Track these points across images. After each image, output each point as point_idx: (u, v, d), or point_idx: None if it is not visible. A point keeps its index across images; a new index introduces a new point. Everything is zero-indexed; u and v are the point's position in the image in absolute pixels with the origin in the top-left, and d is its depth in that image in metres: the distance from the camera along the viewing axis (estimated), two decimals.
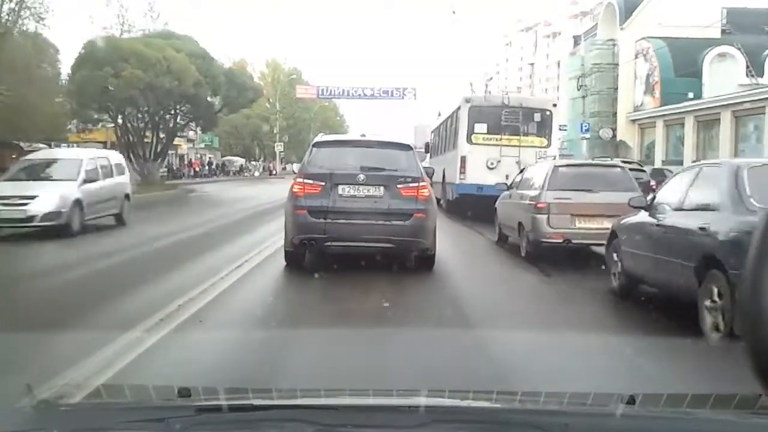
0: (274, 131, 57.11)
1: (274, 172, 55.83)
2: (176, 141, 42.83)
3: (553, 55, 71.28)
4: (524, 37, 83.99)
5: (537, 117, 13.26)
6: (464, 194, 13.01)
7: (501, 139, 12.99)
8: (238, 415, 1.31)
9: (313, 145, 7.45)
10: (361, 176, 6.71)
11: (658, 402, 1.41)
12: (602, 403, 1.43)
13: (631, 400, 1.33)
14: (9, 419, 1.32)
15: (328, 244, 6.82)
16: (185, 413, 1.30)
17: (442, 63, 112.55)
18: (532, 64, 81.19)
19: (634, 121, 27.88)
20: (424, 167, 7.81)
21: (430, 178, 7.77)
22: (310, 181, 6.77)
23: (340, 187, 6.70)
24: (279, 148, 55.69)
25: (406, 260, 6.98)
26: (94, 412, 1.43)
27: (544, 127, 13.30)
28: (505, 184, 10.46)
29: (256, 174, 54.37)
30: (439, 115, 19.07)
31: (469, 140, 13.10)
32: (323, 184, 6.70)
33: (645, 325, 4.89)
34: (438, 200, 16.90)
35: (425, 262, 6.91)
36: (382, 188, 6.73)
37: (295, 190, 6.85)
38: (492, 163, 12.81)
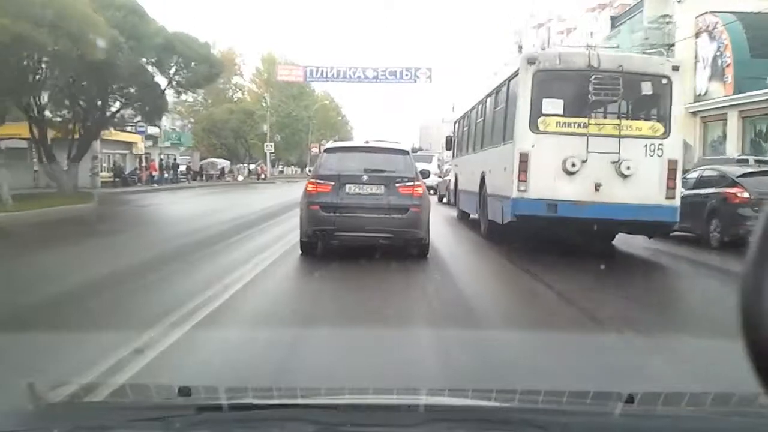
0: (264, 129, 56.56)
1: (263, 176, 55.42)
2: (132, 138, 39.88)
3: None
4: (537, 33, 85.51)
5: (647, 88, 9.92)
6: (525, 216, 9.79)
7: (588, 125, 9.75)
8: (238, 414, 1.59)
9: (324, 151, 10.48)
10: (365, 177, 9.20)
11: (656, 401, 1.70)
12: (601, 401, 1.72)
13: (630, 399, 1.62)
14: (10, 419, 1.58)
15: (338, 234, 9.26)
16: (185, 412, 1.56)
17: (450, 62, 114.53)
18: None
19: (695, 113, 27.74)
20: (422, 170, 10.55)
21: (425, 178, 10.55)
22: (322, 181, 9.31)
23: (347, 186, 9.18)
24: (269, 148, 55.18)
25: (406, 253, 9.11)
26: (95, 411, 1.73)
27: (659, 105, 10.21)
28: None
29: (240, 178, 53.75)
30: (453, 110, 18.64)
31: (533, 127, 9.83)
32: (333, 183, 9.21)
33: None
34: (462, 214, 15.62)
35: (420, 250, 9.39)
36: (382, 187, 9.19)
37: (309, 189, 9.38)
38: (573, 165, 9.59)
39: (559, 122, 9.82)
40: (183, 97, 32.81)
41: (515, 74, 10.49)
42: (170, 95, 29.85)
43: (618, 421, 1.52)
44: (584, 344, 5.16)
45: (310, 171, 13.05)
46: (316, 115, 68.20)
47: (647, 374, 4.27)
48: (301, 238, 9.53)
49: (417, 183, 9.32)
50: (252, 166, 59.76)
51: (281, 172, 72.14)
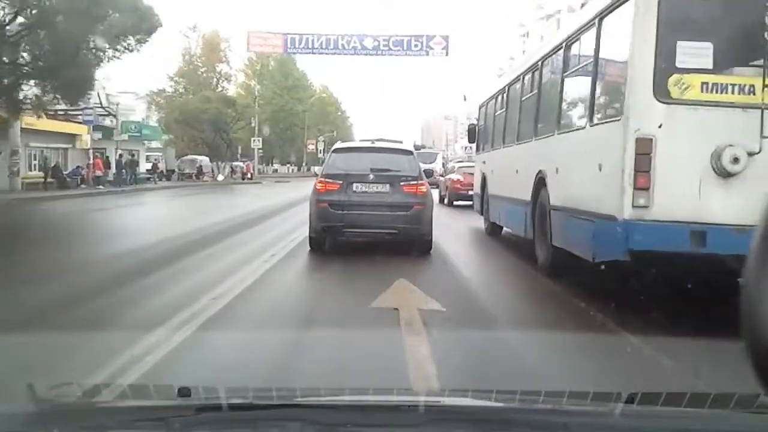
0: (252, 123, 54.63)
1: (248, 176, 52.05)
2: (75, 129, 35.35)
3: None
4: (544, 26, 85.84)
5: None
6: (649, 254, 5.96)
7: (763, 89, 5.85)
8: (238, 414, 1.64)
9: (332, 151, 11.32)
10: (371, 176, 10.14)
11: (657, 401, 1.76)
12: (601, 402, 1.78)
13: (630, 399, 1.69)
14: (10, 419, 1.64)
15: (345, 230, 10.29)
16: (185, 413, 1.62)
17: (453, 55, 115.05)
18: None
19: None
20: (425, 169, 11.67)
21: (429, 177, 11.62)
22: (330, 180, 10.25)
23: (354, 185, 10.13)
24: (256, 143, 52.51)
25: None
26: (95, 412, 1.79)
27: None
28: None
29: (220, 178, 50.19)
30: (465, 99, 17.70)
31: (661, 92, 6.00)
32: (341, 182, 10.14)
33: None
34: (492, 227, 12.80)
35: (423, 245, 10.20)
36: (388, 185, 10.12)
37: (318, 187, 10.33)
38: (735, 159, 5.82)
39: (707, 84, 5.98)
40: (107, 62, 25.07)
41: (618, 2, 6.63)
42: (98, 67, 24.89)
43: (618, 421, 1.58)
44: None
45: (308, 170, 13.91)
46: (312, 108, 67.45)
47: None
48: (309, 233, 10.54)
49: (420, 182, 10.30)
50: (241, 164, 55.90)
51: (275, 171, 70.15)
